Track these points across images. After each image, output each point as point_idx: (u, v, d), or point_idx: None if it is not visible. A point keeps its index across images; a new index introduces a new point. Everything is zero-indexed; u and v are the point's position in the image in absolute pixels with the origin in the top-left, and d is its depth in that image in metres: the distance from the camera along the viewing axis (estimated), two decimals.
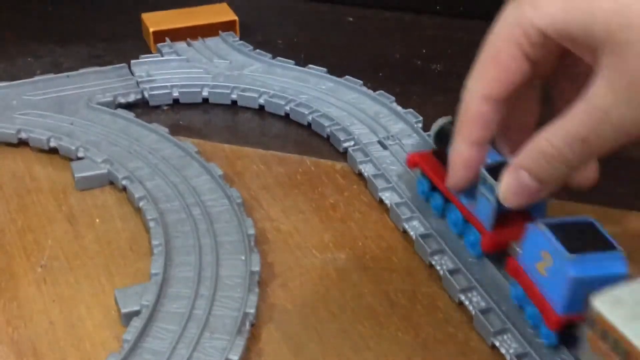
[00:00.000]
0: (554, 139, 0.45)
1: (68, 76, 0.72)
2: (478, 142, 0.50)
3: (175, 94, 0.72)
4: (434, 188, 0.57)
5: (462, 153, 0.50)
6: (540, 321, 0.47)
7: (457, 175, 0.51)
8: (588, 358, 0.43)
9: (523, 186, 0.47)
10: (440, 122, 0.57)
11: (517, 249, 0.49)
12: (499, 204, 0.49)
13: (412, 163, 0.59)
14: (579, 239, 0.46)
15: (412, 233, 0.56)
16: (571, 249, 0.45)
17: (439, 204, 0.57)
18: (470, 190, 0.52)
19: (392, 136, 0.66)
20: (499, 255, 0.52)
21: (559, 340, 0.47)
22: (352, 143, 0.65)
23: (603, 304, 0.41)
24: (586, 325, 0.43)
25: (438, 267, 0.54)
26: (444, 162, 0.53)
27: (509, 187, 0.47)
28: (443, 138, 0.55)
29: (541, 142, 0.45)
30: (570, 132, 0.44)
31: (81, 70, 0.73)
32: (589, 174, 0.50)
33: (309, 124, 0.69)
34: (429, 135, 0.62)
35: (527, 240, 0.48)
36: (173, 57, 0.76)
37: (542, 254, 0.46)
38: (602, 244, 0.46)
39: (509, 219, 0.51)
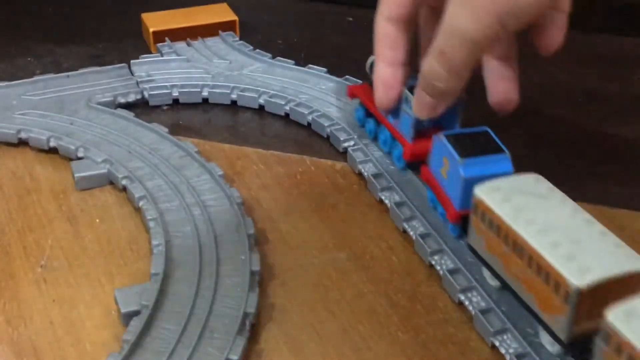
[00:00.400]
0: (428, 58, 0.52)
1: (68, 76, 0.72)
2: (392, 63, 0.57)
3: (175, 94, 0.72)
4: (369, 114, 0.64)
5: (380, 73, 0.58)
6: (444, 214, 0.55)
7: (380, 95, 0.58)
8: (473, 242, 0.51)
9: (424, 102, 0.54)
10: (373, 57, 0.61)
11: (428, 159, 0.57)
12: (416, 118, 0.56)
13: (350, 93, 0.66)
14: (472, 145, 0.53)
15: (412, 233, 0.56)
16: (463, 154, 0.52)
17: (372, 128, 0.64)
18: (396, 111, 0.59)
19: None
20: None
21: (463, 232, 0.54)
22: (352, 143, 0.65)
23: (482, 191, 0.49)
24: (471, 213, 0.50)
25: (438, 267, 0.54)
26: None
27: (415, 103, 0.55)
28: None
29: (423, 64, 0.53)
30: (434, 50, 0.51)
31: (81, 70, 0.73)
32: (503, 94, 0.57)
33: (309, 124, 0.69)
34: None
35: (433, 149, 0.55)
36: (173, 57, 0.76)
37: (443, 160, 0.54)
38: (492, 148, 0.53)
39: (428, 133, 0.57)
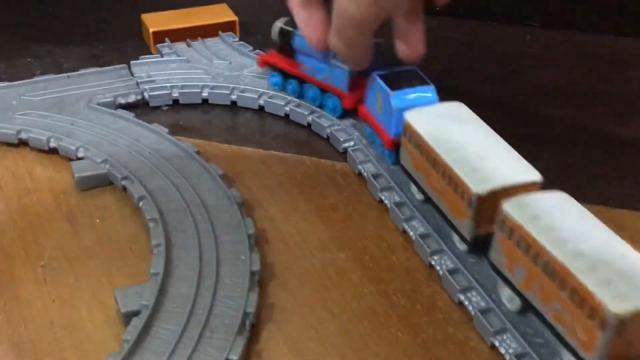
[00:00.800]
0: (331, 35, 0.60)
1: (68, 76, 0.72)
2: (304, 5, 0.63)
3: (175, 95, 0.72)
4: (287, 77, 0.69)
5: (299, 17, 0.63)
6: (381, 144, 0.62)
7: (308, 35, 0.63)
8: (404, 161, 0.59)
9: (345, 59, 0.62)
10: (278, 23, 0.69)
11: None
12: (350, 70, 0.64)
13: (263, 62, 0.71)
14: (402, 81, 0.60)
15: (412, 233, 0.56)
16: (393, 88, 0.60)
17: (296, 87, 0.69)
18: (322, 68, 0.66)
19: None
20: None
21: (397, 158, 0.60)
22: (352, 143, 0.65)
23: (410, 116, 0.57)
24: (402, 136, 0.58)
25: (438, 267, 0.54)
26: (289, 55, 0.68)
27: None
28: (285, 36, 0.68)
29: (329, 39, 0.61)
30: (332, 28, 0.59)
31: (81, 71, 0.73)
32: (409, 47, 0.61)
33: (309, 125, 0.69)
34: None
35: (368, 89, 0.63)
36: (173, 57, 0.76)
37: (377, 96, 0.61)
38: (419, 82, 0.61)
39: (359, 82, 0.64)
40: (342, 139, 0.65)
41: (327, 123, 0.67)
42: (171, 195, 0.59)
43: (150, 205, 0.57)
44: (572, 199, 0.49)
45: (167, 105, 0.72)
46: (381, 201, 0.60)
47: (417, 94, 0.60)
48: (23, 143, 0.65)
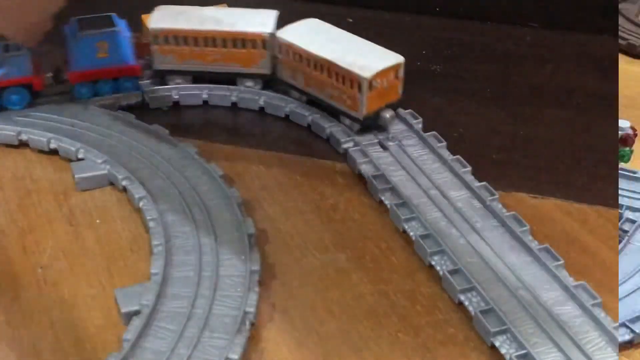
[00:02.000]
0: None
1: None
2: None
3: (176, 97, 0.72)
4: None
5: None
6: (125, 82, 0.70)
7: None
8: (158, 62, 0.72)
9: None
10: None
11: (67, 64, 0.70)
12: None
13: None
14: (97, 24, 0.69)
15: (411, 233, 0.56)
16: (110, 27, 0.68)
17: None
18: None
19: (392, 137, 0.66)
20: None
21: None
22: (351, 144, 0.65)
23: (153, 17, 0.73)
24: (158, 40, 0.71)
25: (438, 268, 0.54)
26: None
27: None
28: None
29: None
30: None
31: None
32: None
33: (309, 125, 0.69)
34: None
35: (77, 52, 0.68)
36: None
37: (97, 46, 0.68)
38: (107, 18, 0.69)
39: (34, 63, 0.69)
40: (342, 140, 0.65)
41: (327, 124, 0.67)
42: (171, 196, 0.59)
43: (150, 206, 0.57)
44: (325, 23, 0.71)
45: (167, 106, 0.72)
46: (381, 202, 0.60)
47: (121, 25, 0.70)
48: (23, 144, 0.65)
